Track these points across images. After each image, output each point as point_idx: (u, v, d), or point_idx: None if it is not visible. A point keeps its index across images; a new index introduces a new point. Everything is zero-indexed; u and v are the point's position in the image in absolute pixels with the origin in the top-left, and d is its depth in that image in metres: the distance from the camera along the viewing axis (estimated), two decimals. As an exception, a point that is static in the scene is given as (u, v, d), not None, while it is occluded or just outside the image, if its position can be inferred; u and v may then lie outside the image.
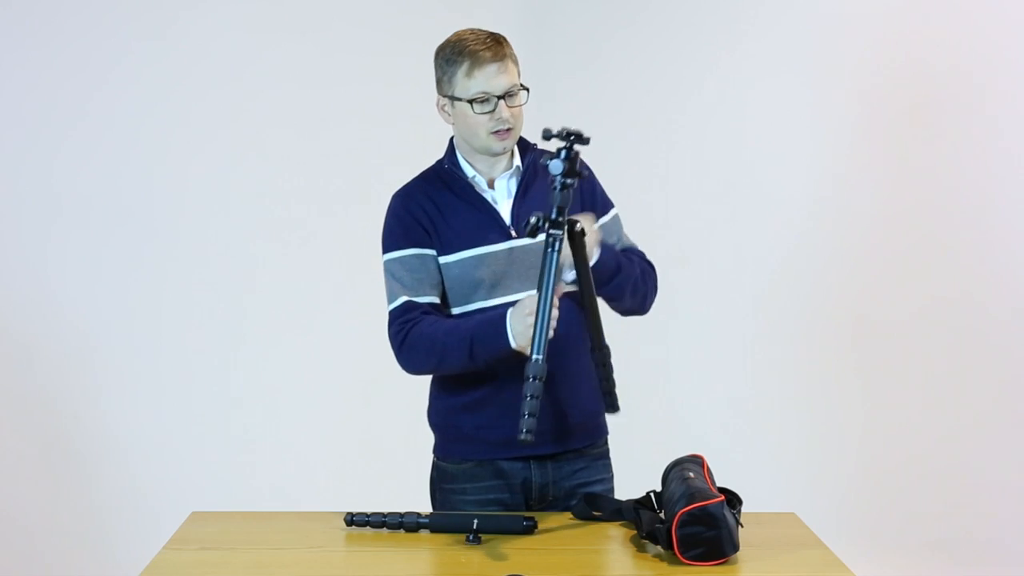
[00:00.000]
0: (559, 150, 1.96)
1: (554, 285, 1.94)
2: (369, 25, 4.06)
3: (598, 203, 2.26)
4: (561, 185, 1.94)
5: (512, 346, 2.03)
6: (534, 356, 1.89)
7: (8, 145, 3.71)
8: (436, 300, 2.17)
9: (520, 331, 2.01)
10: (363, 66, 4.05)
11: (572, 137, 1.95)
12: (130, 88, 3.82)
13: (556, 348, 2.03)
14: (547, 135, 1.97)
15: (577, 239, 2.00)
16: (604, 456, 2.31)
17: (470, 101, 2.10)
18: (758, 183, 4.07)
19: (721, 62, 4.10)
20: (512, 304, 2.08)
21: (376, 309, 2.40)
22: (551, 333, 1.93)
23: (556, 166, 1.95)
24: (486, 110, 2.10)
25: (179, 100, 3.86)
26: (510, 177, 2.21)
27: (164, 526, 2.17)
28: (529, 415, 1.87)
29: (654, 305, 2.31)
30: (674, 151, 4.15)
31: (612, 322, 2.27)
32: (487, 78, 2.09)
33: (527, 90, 2.15)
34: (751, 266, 4.11)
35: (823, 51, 3.98)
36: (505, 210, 2.18)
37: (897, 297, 3.93)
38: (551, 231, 1.94)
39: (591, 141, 1.97)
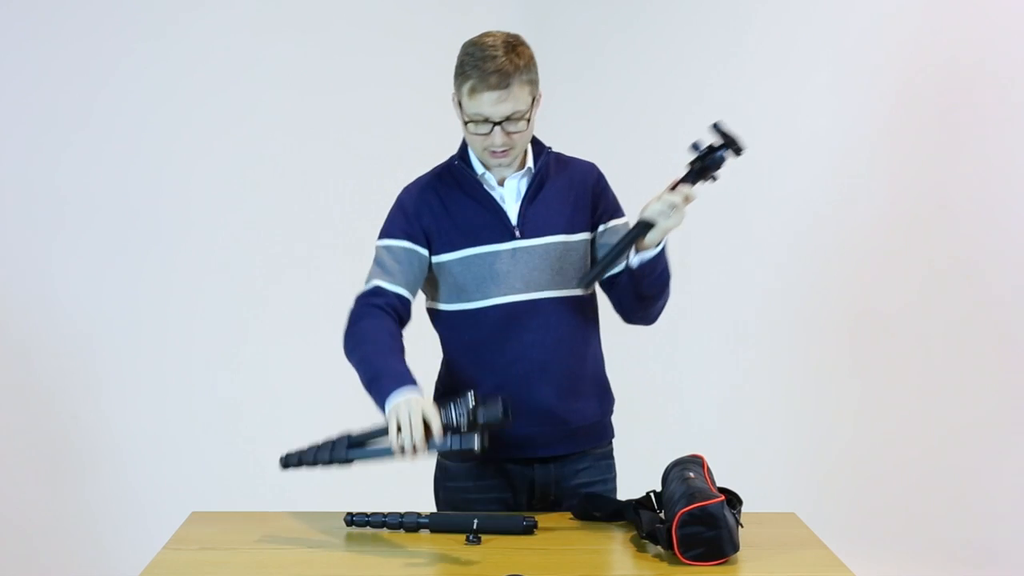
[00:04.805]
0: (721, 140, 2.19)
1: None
2: (370, 25, 4.06)
3: (610, 207, 2.25)
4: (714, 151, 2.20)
5: (383, 413, 1.96)
6: None
7: (12, 146, 3.70)
8: (406, 295, 2.16)
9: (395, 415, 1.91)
10: (364, 67, 4.05)
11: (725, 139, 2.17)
12: (134, 89, 3.82)
13: (559, 350, 2.08)
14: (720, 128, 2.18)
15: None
16: (608, 456, 2.31)
17: (466, 122, 2.07)
18: (757, 184, 4.06)
19: (725, 62, 4.10)
20: (509, 305, 2.11)
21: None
22: None
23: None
24: (481, 132, 2.06)
25: (183, 102, 3.87)
26: (521, 177, 2.17)
27: (164, 526, 2.17)
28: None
29: None
30: (677, 152, 4.14)
31: (614, 323, 2.28)
32: (487, 104, 2.02)
33: (528, 120, 2.06)
34: (752, 267, 4.11)
35: (825, 50, 3.98)
36: (512, 210, 2.15)
37: (897, 298, 3.93)
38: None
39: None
